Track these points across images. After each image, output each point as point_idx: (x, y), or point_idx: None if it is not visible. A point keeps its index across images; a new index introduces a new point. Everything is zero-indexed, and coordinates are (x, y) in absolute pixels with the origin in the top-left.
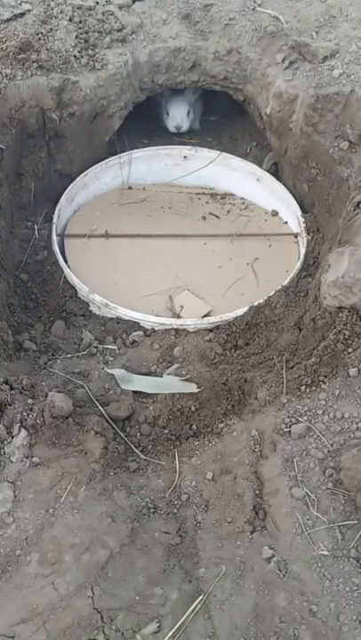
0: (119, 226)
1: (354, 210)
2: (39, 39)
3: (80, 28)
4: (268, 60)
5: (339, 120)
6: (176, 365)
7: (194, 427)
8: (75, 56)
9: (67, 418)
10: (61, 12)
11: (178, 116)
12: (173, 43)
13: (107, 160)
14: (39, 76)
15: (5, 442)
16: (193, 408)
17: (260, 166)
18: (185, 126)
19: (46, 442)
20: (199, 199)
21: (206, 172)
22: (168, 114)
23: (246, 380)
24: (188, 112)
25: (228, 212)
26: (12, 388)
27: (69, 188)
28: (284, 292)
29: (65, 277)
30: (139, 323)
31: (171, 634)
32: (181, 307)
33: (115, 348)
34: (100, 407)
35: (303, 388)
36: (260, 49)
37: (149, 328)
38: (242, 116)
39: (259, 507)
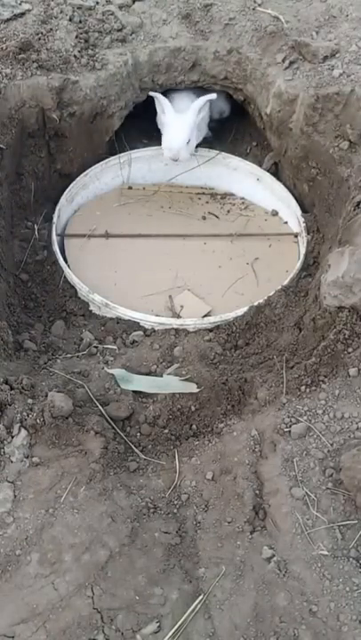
0: (119, 226)
1: (354, 210)
2: (39, 39)
3: (80, 28)
4: (268, 59)
5: (339, 120)
6: (176, 365)
7: (194, 427)
8: (75, 56)
9: (67, 418)
10: (61, 11)
11: (175, 145)
12: (173, 43)
13: (107, 160)
14: (39, 75)
15: (5, 442)
16: (193, 408)
17: (260, 166)
18: (182, 157)
19: (46, 442)
20: (199, 199)
21: (206, 171)
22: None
23: (246, 379)
24: (189, 141)
25: (228, 211)
26: (12, 388)
27: (69, 188)
28: (284, 291)
29: (65, 277)
30: (139, 323)
31: (171, 634)
32: (181, 306)
33: (115, 347)
34: (100, 407)
35: (303, 387)
36: (260, 49)
37: (149, 328)
38: (242, 116)
39: (259, 507)
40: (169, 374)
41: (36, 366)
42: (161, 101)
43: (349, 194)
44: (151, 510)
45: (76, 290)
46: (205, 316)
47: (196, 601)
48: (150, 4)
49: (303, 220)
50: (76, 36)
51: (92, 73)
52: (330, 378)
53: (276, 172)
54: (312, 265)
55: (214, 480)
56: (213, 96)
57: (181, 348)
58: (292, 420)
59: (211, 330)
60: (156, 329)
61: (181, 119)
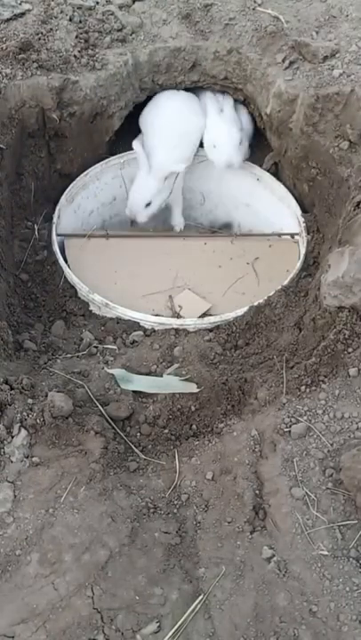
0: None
1: (354, 210)
2: (39, 39)
3: (80, 28)
4: (268, 59)
5: (339, 120)
6: (176, 365)
7: (194, 427)
8: (75, 56)
9: (67, 418)
10: (61, 11)
11: (132, 207)
12: (173, 43)
13: (107, 160)
14: (39, 75)
15: (5, 442)
16: (193, 408)
17: (260, 166)
18: (139, 219)
19: (46, 442)
20: None
21: (206, 171)
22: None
23: (246, 379)
24: (149, 204)
25: None
26: (12, 388)
27: (69, 187)
28: (285, 291)
29: (65, 277)
30: (139, 322)
31: (171, 634)
32: (180, 306)
33: (115, 347)
34: (100, 407)
35: (303, 387)
36: (260, 49)
37: (149, 328)
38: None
39: (259, 507)
40: (169, 374)
41: (36, 366)
42: (137, 156)
43: (349, 194)
44: (151, 510)
45: (76, 290)
46: (205, 314)
47: (196, 601)
48: (150, 4)
49: (303, 219)
50: (76, 36)
51: (92, 73)
52: (330, 378)
53: (276, 172)
54: (312, 265)
55: (214, 480)
56: (181, 168)
57: (181, 348)
58: (292, 419)
59: (211, 330)
60: (156, 329)
61: (146, 180)
